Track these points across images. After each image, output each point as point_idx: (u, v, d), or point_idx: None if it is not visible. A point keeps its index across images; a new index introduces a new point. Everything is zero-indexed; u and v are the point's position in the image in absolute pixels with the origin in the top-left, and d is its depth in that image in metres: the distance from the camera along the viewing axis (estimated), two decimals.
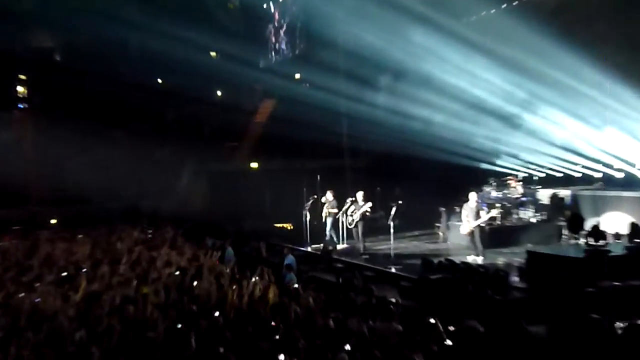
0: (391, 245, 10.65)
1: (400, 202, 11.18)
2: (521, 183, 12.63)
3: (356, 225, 11.49)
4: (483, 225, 10.29)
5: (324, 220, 12.37)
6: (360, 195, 11.56)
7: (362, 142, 16.59)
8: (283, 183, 15.63)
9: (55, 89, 16.64)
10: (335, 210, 11.94)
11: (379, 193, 13.74)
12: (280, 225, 15.33)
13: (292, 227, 14.85)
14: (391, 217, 10.67)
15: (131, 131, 16.83)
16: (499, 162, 13.67)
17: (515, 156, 13.37)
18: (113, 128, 16.62)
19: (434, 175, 13.54)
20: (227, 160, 18.94)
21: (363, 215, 11.39)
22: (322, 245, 11.56)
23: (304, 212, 12.55)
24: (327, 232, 12.24)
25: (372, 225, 12.29)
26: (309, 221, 12.55)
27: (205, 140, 18.54)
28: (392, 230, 10.65)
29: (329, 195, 12.32)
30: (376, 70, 14.80)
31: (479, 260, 9.91)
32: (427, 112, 13.53)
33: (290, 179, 15.08)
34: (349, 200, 11.84)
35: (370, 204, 11.43)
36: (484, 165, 13.74)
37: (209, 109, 18.69)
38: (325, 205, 12.28)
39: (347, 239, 12.15)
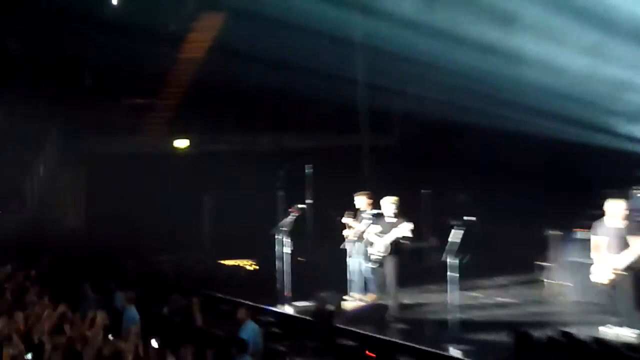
0: (451, 301, 10.48)
1: (469, 218, 10.99)
2: None
3: (383, 263, 11.48)
4: (635, 265, 10.10)
5: (348, 251, 12.49)
6: (390, 204, 11.51)
7: (392, 102, 16.87)
8: (238, 179, 15.98)
9: None
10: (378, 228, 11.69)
11: (427, 200, 13.86)
12: (233, 262, 15.56)
13: (255, 268, 15.14)
14: (451, 247, 10.49)
15: None
16: None
17: None
18: None
19: (533, 167, 13.91)
20: (127, 134, 19.26)
21: (397, 245, 11.34)
22: (314, 303, 11.51)
23: (279, 238, 12.50)
24: (370, 277, 12.16)
25: (415, 264, 12.47)
26: (290, 255, 12.50)
27: (86, 94, 18.89)
28: (453, 273, 10.43)
29: (362, 202, 12.34)
30: None
31: (628, 334, 9.74)
32: (512, 39, 13.83)
33: (251, 170, 15.47)
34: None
35: (410, 224, 11.33)
36: (635, 147, 13.74)
37: (94, 35, 18.77)
38: (353, 224, 12.39)
39: (358, 289, 12.24)
